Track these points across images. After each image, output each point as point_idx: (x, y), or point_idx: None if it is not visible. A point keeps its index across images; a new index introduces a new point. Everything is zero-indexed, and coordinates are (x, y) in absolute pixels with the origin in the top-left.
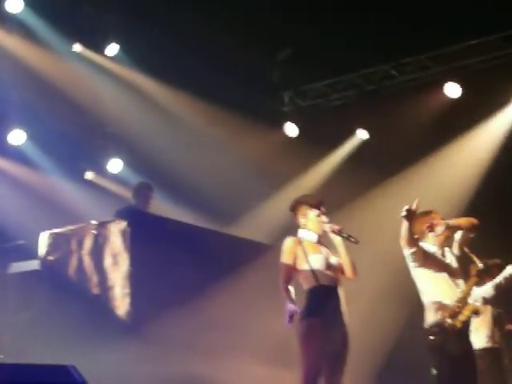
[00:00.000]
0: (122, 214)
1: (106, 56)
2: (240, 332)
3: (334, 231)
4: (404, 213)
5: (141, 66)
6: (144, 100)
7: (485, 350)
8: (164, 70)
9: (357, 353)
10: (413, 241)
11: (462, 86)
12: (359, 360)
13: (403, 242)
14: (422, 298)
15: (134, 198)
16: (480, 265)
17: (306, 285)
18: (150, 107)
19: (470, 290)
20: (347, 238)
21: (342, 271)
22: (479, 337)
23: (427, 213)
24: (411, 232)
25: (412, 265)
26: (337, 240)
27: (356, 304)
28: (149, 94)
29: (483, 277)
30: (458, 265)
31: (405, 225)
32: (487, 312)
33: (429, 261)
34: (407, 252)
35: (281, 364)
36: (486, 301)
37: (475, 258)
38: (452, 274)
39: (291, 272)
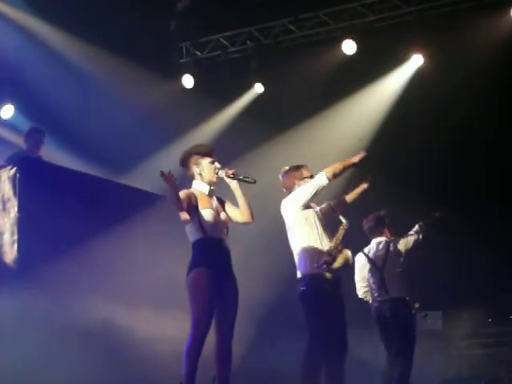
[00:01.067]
0: (12, 160)
1: None
2: (128, 277)
3: (228, 175)
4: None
5: (36, 11)
6: (39, 45)
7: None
8: (61, 16)
9: (240, 304)
10: (335, 178)
11: (359, 44)
12: (243, 311)
13: (330, 172)
14: (294, 247)
15: (26, 143)
16: (344, 221)
17: (193, 237)
18: (45, 53)
19: (339, 241)
20: (244, 180)
21: (227, 225)
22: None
23: (298, 167)
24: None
25: (302, 201)
26: (233, 184)
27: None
28: (44, 39)
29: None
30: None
31: (346, 164)
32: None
33: (308, 209)
34: (324, 180)
35: (170, 312)
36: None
37: (340, 216)
38: (323, 227)
39: (184, 202)
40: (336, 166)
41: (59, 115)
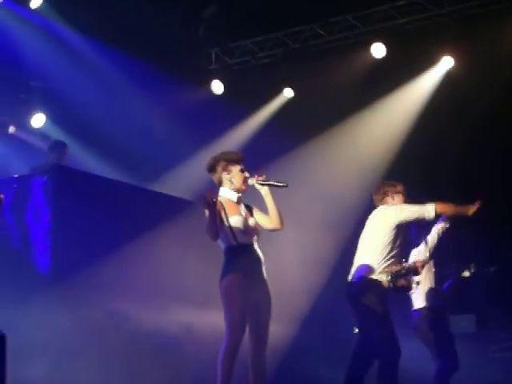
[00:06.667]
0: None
1: (30, 8)
2: (159, 284)
3: (259, 181)
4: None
5: (66, 19)
6: (69, 54)
7: (426, 309)
8: (90, 24)
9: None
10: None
11: (388, 47)
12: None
13: (440, 208)
14: (368, 253)
15: (49, 156)
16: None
17: (224, 244)
18: (75, 61)
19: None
20: (275, 185)
21: (258, 231)
22: (421, 295)
23: (393, 183)
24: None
25: (403, 217)
26: (264, 190)
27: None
28: (74, 47)
29: None
30: None
31: (461, 212)
32: (428, 271)
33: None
34: (432, 214)
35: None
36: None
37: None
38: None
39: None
40: (450, 206)
41: (89, 123)
